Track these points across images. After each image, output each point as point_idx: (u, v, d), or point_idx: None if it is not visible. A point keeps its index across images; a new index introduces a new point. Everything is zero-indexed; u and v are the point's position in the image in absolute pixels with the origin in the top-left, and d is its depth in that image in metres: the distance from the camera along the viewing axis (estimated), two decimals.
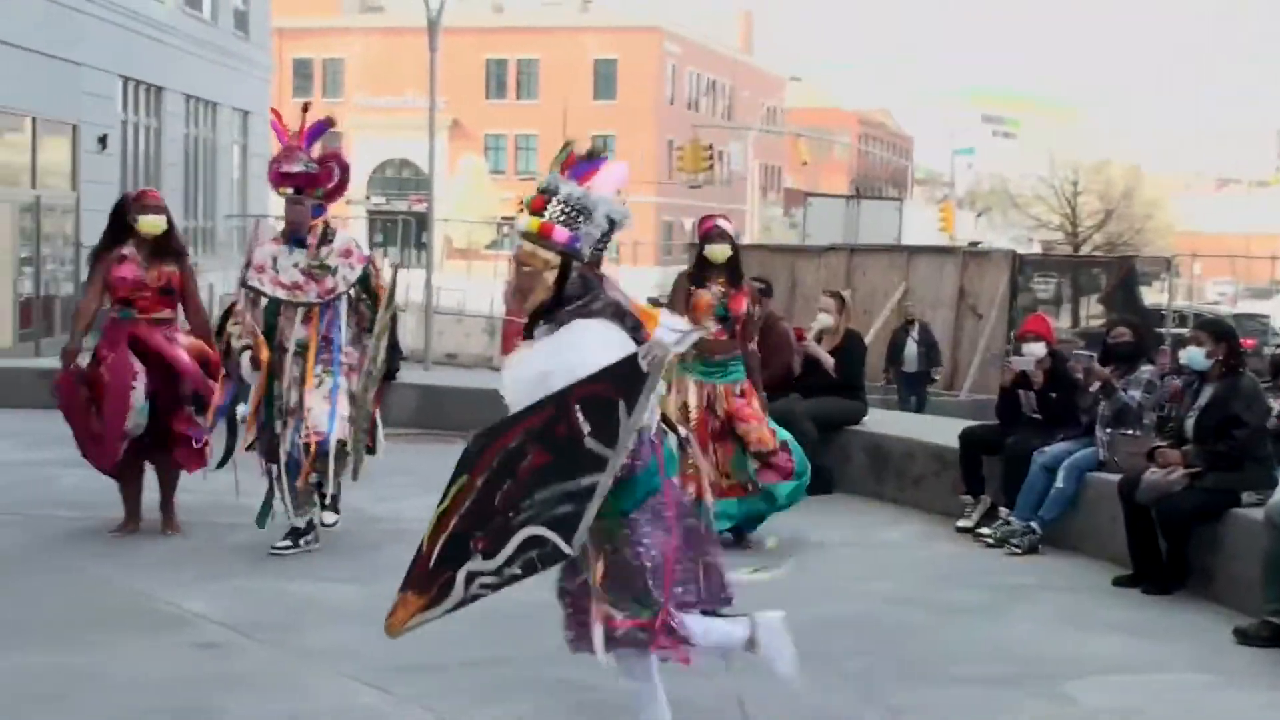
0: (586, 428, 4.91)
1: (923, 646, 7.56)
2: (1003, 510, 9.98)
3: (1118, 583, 8.82)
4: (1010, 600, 8.62)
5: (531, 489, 4.99)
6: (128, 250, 9.28)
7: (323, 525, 9.22)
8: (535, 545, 5.00)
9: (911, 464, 11.34)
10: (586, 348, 5.07)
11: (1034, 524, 9.59)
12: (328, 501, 9.29)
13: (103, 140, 29.05)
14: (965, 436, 10.60)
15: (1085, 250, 65.90)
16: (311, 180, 8.92)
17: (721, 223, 9.56)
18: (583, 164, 5.32)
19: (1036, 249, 59.98)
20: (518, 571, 5.06)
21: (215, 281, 24.57)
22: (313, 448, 8.87)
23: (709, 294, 9.33)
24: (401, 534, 9.76)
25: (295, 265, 8.95)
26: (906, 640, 7.66)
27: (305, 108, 9.29)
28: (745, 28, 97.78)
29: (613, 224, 5.31)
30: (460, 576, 5.11)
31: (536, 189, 5.32)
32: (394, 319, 9.16)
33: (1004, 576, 9.14)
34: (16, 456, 12.36)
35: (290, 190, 8.91)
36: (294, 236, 9.01)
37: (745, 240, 42.82)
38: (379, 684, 6.55)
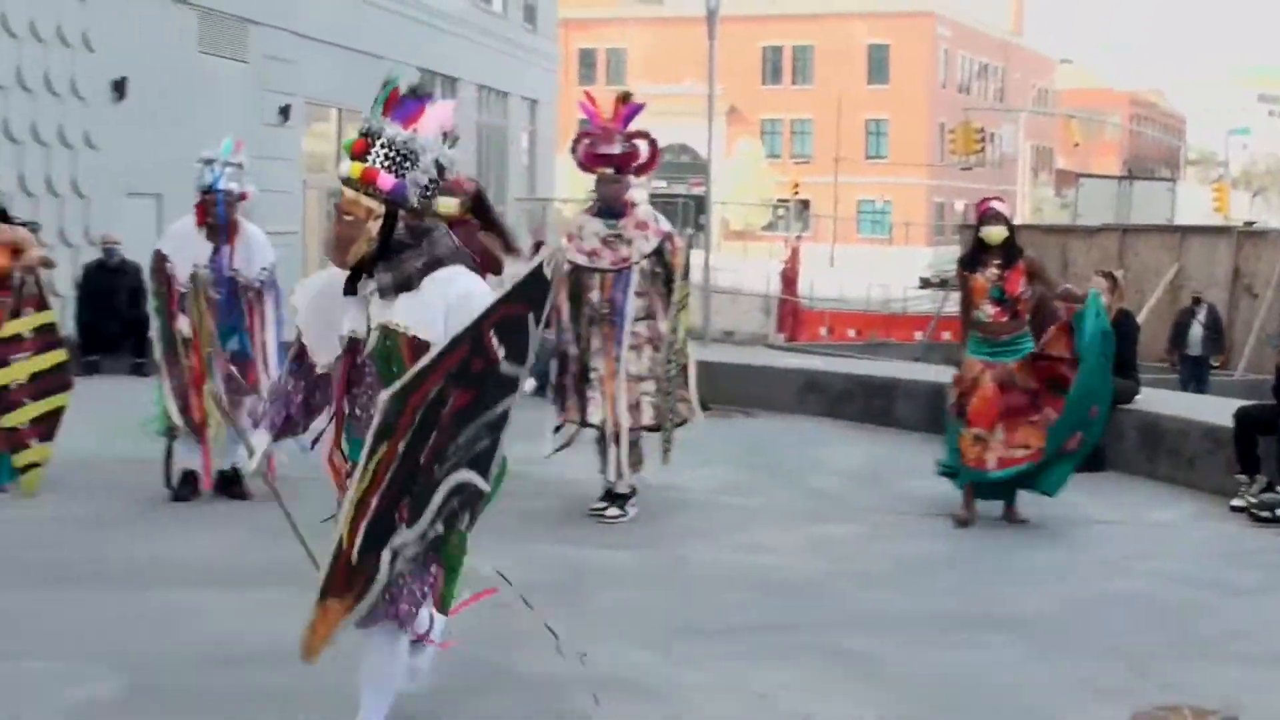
0: (501, 352, 4.52)
1: (1201, 625, 7.33)
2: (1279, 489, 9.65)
3: None
4: None
5: (456, 433, 4.52)
6: None
7: (599, 515, 9.32)
8: (458, 493, 4.64)
9: (1185, 443, 10.97)
10: (482, 297, 4.70)
11: None
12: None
13: None
14: (1241, 415, 10.22)
15: None
16: (626, 159, 9.07)
17: (996, 205, 9.45)
18: (408, 103, 4.71)
19: None
20: (440, 530, 4.66)
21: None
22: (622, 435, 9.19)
23: (983, 277, 9.23)
24: (680, 504, 9.88)
25: (596, 234, 9.15)
26: (1185, 618, 7.42)
27: (624, 97, 9.43)
28: (1017, 10, 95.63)
29: (441, 169, 4.75)
30: (384, 558, 4.50)
31: (358, 131, 4.70)
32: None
33: None
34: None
35: (609, 170, 9.08)
36: (607, 210, 9.19)
37: (1016, 221, 42.02)
38: (657, 645, 6.57)
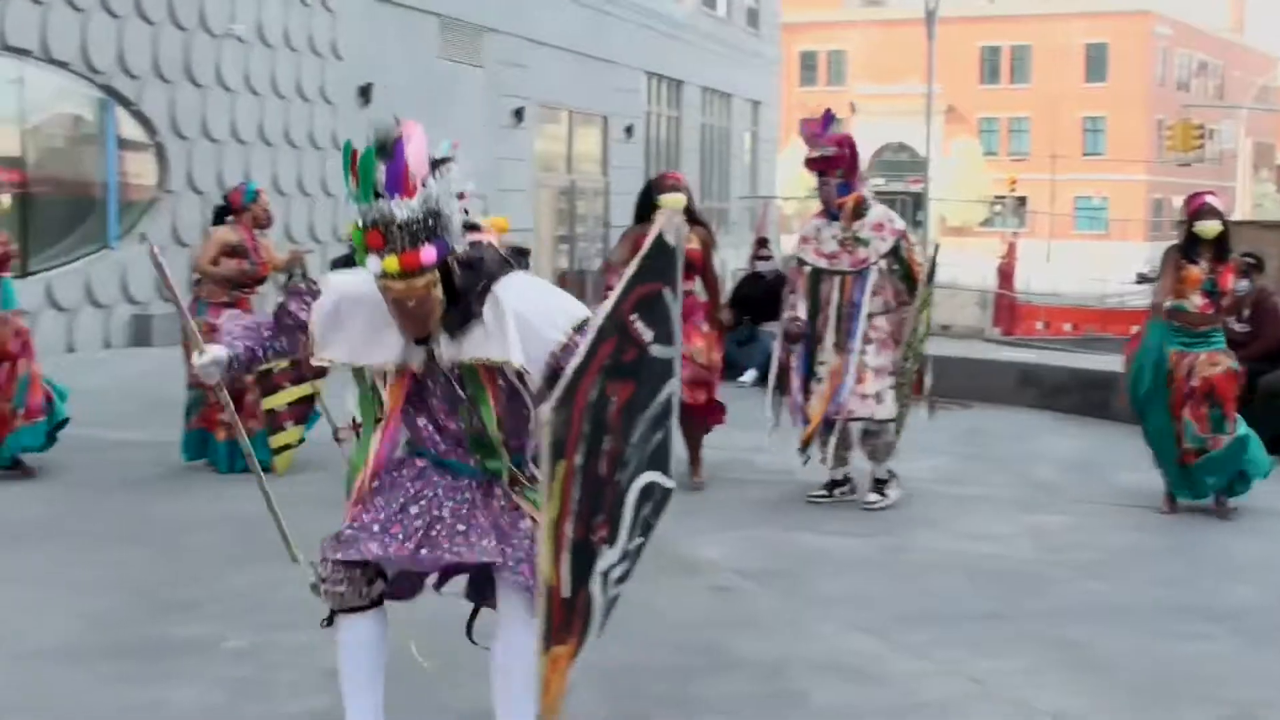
0: (648, 335, 4.14)
1: None
2: None
3: None
4: None
5: (627, 432, 4.11)
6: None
7: (864, 505, 9.27)
8: (646, 498, 4.28)
9: None
10: (548, 292, 4.43)
11: None
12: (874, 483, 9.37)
13: (629, 130, 29.91)
14: None
15: None
16: (829, 163, 9.11)
17: (1211, 200, 9.25)
18: (389, 161, 4.13)
19: None
20: (640, 541, 4.28)
21: (728, 258, 24.98)
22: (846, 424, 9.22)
23: (1198, 269, 9.03)
24: (905, 494, 9.79)
25: (833, 237, 9.19)
26: None
27: (828, 112, 9.51)
28: (1237, 8, 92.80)
29: (459, 194, 4.26)
30: (595, 588, 4.10)
31: (364, 224, 4.12)
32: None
33: None
34: None
35: (818, 173, 9.19)
36: (829, 212, 9.25)
37: (1235, 217, 40.75)
38: (878, 632, 6.50)
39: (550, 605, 3.87)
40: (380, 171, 4.10)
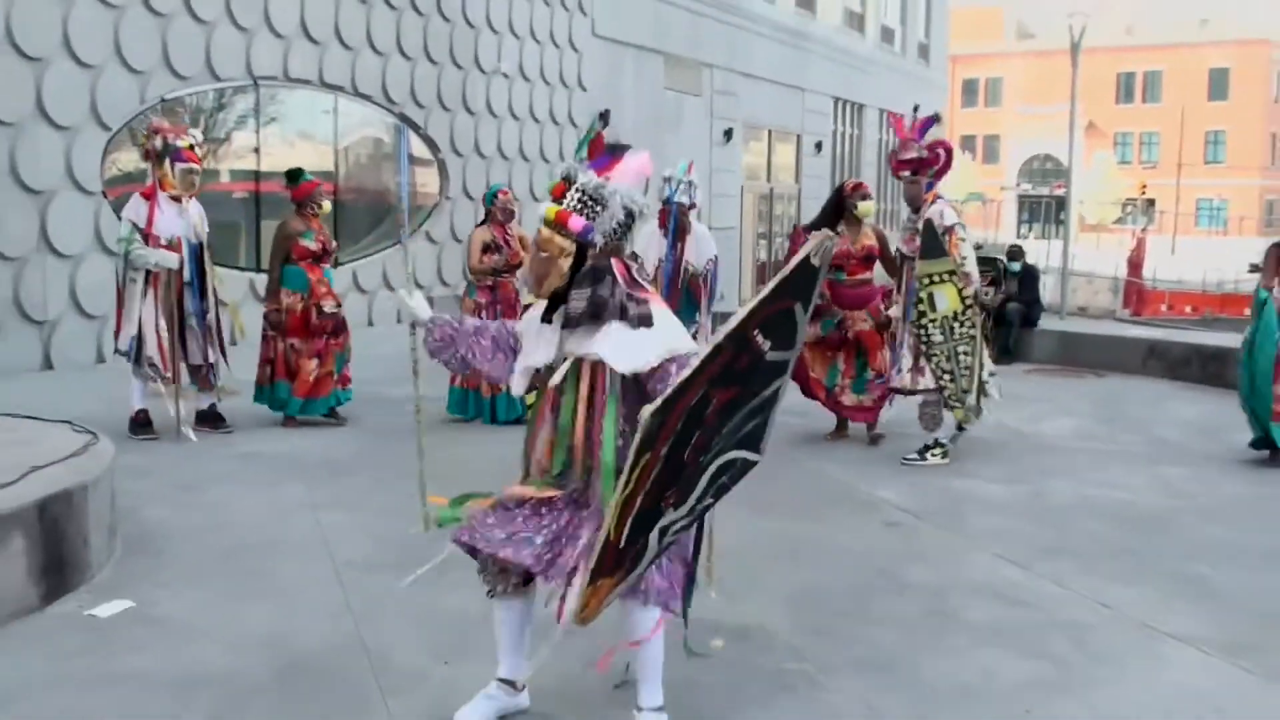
0: (767, 345, 3.71)
1: None
2: None
3: None
4: None
5: (720, 426, 3.73)
6: (841, 228, 9.43)
7: (902, 460, 8.89)
8: (726, 470, 3.86)
9: None
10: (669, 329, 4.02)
11: None
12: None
13: (818, 146, 29.65)
14: None
15: None
16: (921, 164, 8.80)
17: None
18: (605, 155, 4.14)
19: None
20: (710, 500, 3.90)
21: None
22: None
23: None
24: (1043, 447, 9.55)
25: (906, 228, 8.99)
26: None
27: (915, 108, 9.25)
28: None
29: (630, 214, 4.07)
30: (653, 537, 3.77)
31: (560, 175, 4.20)
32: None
33: None
34: None
35: (907, 173, 8.86)
36: (915, 208, 8.93)
37: None
38: (1022, 563, 6.36)
39: (605, 550, 3.65)
40: (600, 152, 4.14)
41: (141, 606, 5.38)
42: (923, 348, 8.59)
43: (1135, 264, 32.50)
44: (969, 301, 8.55)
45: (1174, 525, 7.28)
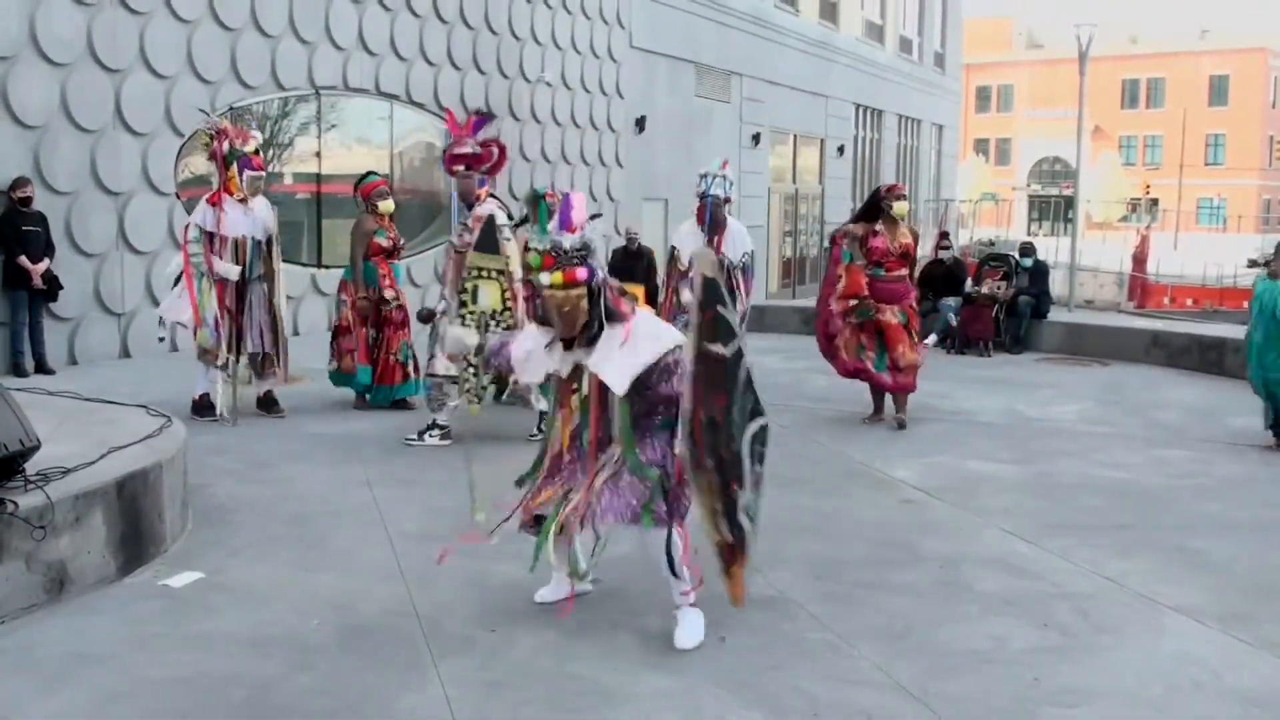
0: (721, 348, 4.24)
1: None
2: None
3: None
4: None
5: (731, 418, 4.30)
6: (878, 227, 9.41)
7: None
8: (755, 441, 4.39)
9: None
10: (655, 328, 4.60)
11: None
12: None
13: (840, 149, 29.54)
14: None
15: None
16: (476, 160, 8.28)
17: None
18: (562, 217, 4.49)
19: None
20: (759, 467, 4.43)
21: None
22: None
23: None
24: (1050, 430, 9.49)
25: None
26: None
27: (475, 113, 8.99)
28: None
29: (589, 244, 4.57)
30: (742, 519, 4.37)
31: (540, 251, 4.50)
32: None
33: None
34: (781, 366, 12.86)
35: (461, 168, 8.26)
36: (467, 202, 8.34)
37: None
38: (1030, 537, 6.34)
39: (723, 550, 4.31)
40: (554, 219, 4.50)
41: (211, 575, 5.44)
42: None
43: (1140, 259, 32.24)
44: (509, 304, 8.14)
45: (1173, 502, 7.23)
